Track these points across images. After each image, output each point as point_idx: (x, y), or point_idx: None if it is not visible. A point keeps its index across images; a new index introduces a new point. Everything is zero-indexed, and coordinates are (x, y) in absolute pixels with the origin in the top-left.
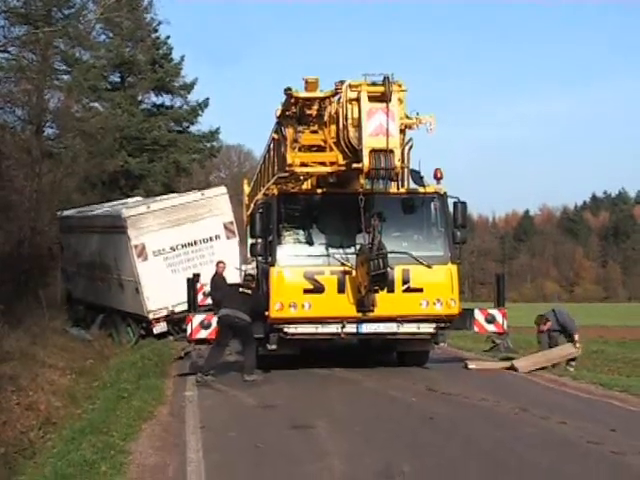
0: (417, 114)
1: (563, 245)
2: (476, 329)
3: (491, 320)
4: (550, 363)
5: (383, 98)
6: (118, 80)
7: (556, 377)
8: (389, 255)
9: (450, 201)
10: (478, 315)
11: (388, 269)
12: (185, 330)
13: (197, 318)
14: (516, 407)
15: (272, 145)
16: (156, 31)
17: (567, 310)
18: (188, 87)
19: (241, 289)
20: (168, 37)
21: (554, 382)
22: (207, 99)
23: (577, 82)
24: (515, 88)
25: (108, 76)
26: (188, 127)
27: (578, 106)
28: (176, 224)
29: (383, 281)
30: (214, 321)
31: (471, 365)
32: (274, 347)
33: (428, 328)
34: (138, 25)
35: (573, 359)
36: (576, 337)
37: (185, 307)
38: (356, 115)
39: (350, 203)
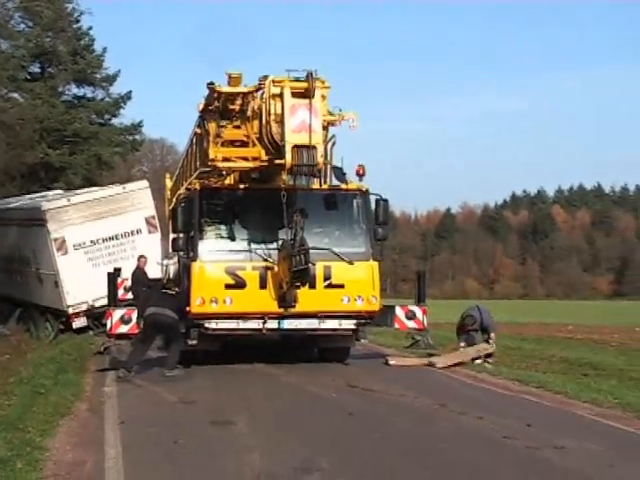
0: (340, 111)
1: (484, 243)
2: (397, 325)
3: (412, 317)
4: (467, 359)
5: (306, 94)
6: (38, 71)
7: (474, 373)
8: (311, 251)
9: (372, 198)
10: (399, 312)
11: (310, 265)
12: (105, 325)
13: (117, 313)
14: (435, 403)
15: (195, 139)
16: (78, 22)
17: (488, 308)
18: (110, 79)
19: (164, 290)
20: (90, 28)
21: (472, 378)
22: (129, 92)
23: (502, 78)
24: (440, 83)
25: (28, 66)
26: (110, 120)
27: (500, 104)
28: (97, 218)
29: (305, 277)
30: (134, 316)
31: (391, 361)
32: (194, 342)
33: (349, 324)
34: (59, 15)
35: (490, 355)
36: (492, 335)
37: (105, 302)
38: (279, 111)
39: (272, 199)
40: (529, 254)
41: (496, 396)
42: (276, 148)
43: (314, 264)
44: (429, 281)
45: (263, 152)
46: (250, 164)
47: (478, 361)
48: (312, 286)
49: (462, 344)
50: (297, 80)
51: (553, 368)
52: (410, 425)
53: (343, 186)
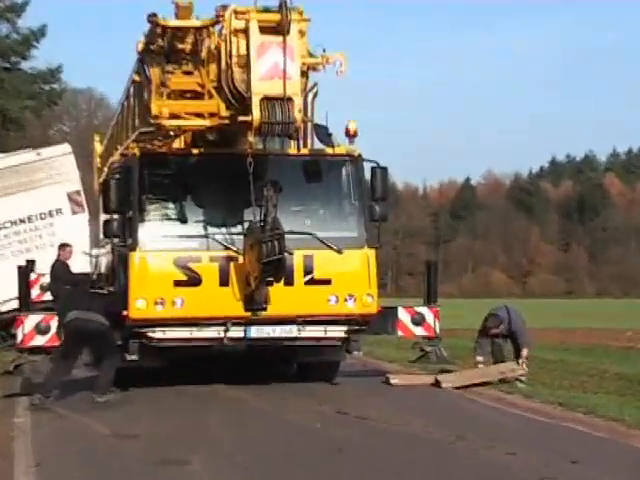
0: (324, 51)
1: (514, 223)
2: (400, 333)
3: (419, 321)
4: (486, 380)
5: (279, 29)
6: None
7: (502, 394)
8: (287, 236)
9: (367, 166)
10: (403, 315)
11: (285, 254)
12: (15, 336)
13: (31, 320)
14: (451, 434)
15: (132, 90)
16: None
17: (519, 311)
18: (18, 9)
19: (93, 289)
20: None
21: (500, 401)
22: (44, 26)
23: (532, 18)
24: (461, 20)
25: None
26: (18, 64)
27: (535, 45)
28: (3, 194)
29: (279, 270)
30: (54, 323)
31: (394, 380)
32: (135, 358)
33: (338, 332)
34: None
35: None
36: (524, 353)
37: (15, 305)
38: (243, 51)
39: (236, 168)
40: (574, 238)
41: (531, 424)
42: (240, 101)
43: (291, 253)
44: (442, 275)
45: (223, 106)
46: (206, 122)
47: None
48: (289, 282)
49: (479, 357)
50: (267, 11)
51: (606, 387)
52: (419, 464)
53: (328, 150)
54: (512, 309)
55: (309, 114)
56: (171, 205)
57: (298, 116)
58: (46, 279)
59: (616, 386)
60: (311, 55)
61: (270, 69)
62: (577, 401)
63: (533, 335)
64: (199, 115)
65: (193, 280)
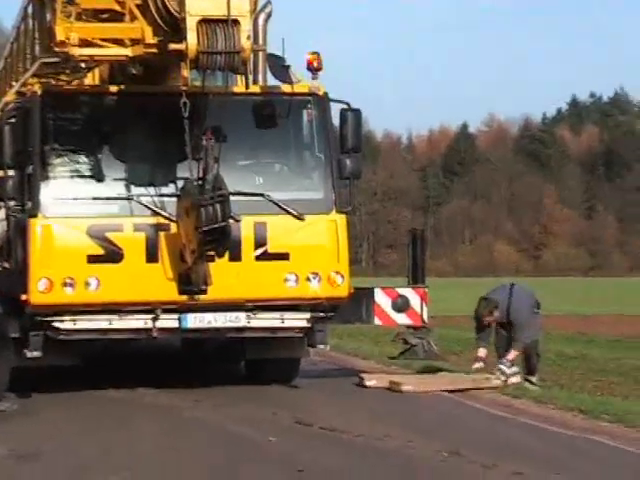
0: None
1: (523, 182)
2: (378, 322)
3: (403, 306)
4: (452, 389)
5: None
6: None
7: (509, 399)
8: (232, 198)
9: (335, 108)
10: (381, 298)
11: (230, 222)
12: None
13: None
14: (441, 450)
15: (31, 9)
16: None
17: (530, 291)
18: None
19: None
20: None
21: (505, 407)
22: None
23: None
24: None
25: None
26: None
27: None
28: None
29: (222, 242)
30: None
31: (369, 382)
32: (37, 354)
33: (298, 320)
34: None
35: (531, 371)
36: (512, 355)
37: None
38: None
39: (166, 110)
40: (600, 200)
41: (544, 437)
42: (171, 24)
43: (238, 220)
44: (433, 247)
45: (149, 31)
46: (127, 51)
47: (514, 379)
48: (235, 257)
49: (480, 352)
50: None
51: None
52: None
53: (285, 88)
54: (518, 289)
55: (260, 41)
56: (83, 158)
57: (246, 44)
58: None
59: None
60: None
61: None
62: (603, 407)
63: (543, 328)
64: (118, 42)
65: (112, 255)
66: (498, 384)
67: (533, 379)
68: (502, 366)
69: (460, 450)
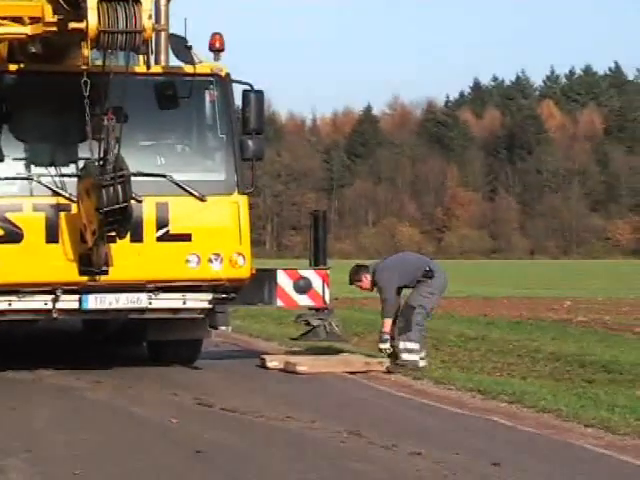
0: None
1: (427, 164)
2: (280, 303)
3: (305, 288)
4: (347, 370)
5: None
6: None
7: (409, 380)
8: (133, 179)
9: (237, 89)
10: (283, 280)
11: (132, 202)
12: None
13: None
14: (343, 430)
15: None
16: None
17: (422, 260)
18: None
19: None
20: None
21: (405, 389)
22: None
23: None
24: None
25: None
26: None
27: None
28: None
29: (123, 222)
30: None
31: (271, 363)
32: None
33: (200, 302)
34: None
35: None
36: (383, 324)
37: None
38: None
39: (67, 90)
40: (502, 182)
41: (443, 417)
42: (71, 3)
43: (139, 200)
44: (336, 228)
45: (49, 9)
46: (26, 29)
47: (406, 356)
48: (136, 238)
49: (385, 327)
50: None
51: (539, 371)
52: (302, 468)
53: (187, 68)
54: (400, 255)
55: (162, 21)
56: None
57: (147, 24)
58: None
59: (551, 369)
60: None
61: None
62: (501, 388)
63: (432, 301)
64: (17, 20)
65: (11, 235)
66: (388, 366)
67: (422, 355)
68: (381, 344)
69: (361, 431)
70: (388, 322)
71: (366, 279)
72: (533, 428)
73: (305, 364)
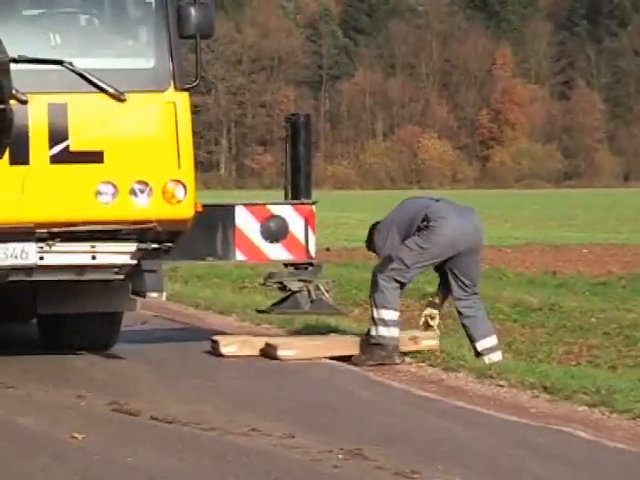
0: None
1: (466, 42)
2: (241, 257)
3: (278, 233)
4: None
5: None
6: None
7: (439, 372)
8: (14, 67)
9: None
10: (246, 221)
11: (11, 103)
12: None
13: None
14: (337, 449)
15: None
16: None
17: (421, 204)
18: None
19: None
20: None
21: (433, 385)
22: None
23: None
24: None
25: None
26: None
27: None
28: None
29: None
30: None
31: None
32: None
33: (118, 255)
34: None
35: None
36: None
37: None
38: None
39: None
40: (580, 71)
41: (489, 429)
42: None
43: (24, 100)
44: (329, 143)
45: None
46: None
47: (383, 330)
48: (20, 159)
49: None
50: None
51: (635, 357)
52: None
53: None
54: (395, 210)
55: None
56: None
57: None
58: None
59: None
60: None
61: None
62: (579, 383)
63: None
64: None
65: None
66: (354, 356)
67: (394, 323)
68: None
69: (363, 450)
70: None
71: (387, 238)
72: (627, 444)
73: (293, 346)
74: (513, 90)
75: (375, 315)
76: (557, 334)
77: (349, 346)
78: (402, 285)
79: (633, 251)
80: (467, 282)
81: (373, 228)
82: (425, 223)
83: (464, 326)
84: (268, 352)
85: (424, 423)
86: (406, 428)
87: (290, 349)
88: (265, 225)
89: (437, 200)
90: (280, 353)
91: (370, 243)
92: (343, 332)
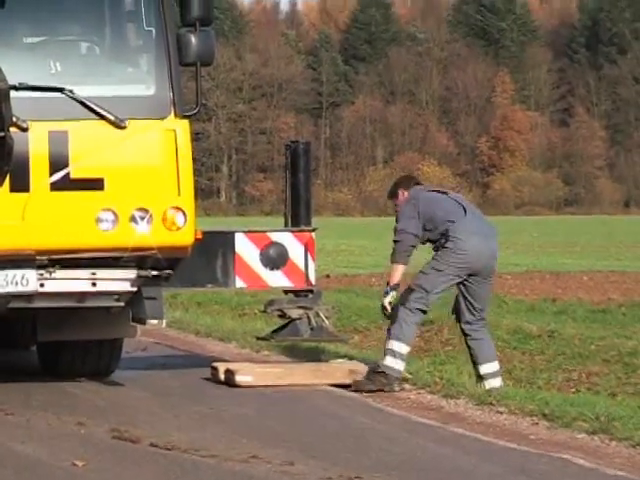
0: None
1: (466, 70)
2: (241, 283)
3: (278, 260)
4: (305, 382)
5: None
6: None
7: (439, 399)
8: (15, 94)
9: None
10: (246, 248)
11: (13, 130)
12: None
13: None
14: (337, 477)
15: None
16: None
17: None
18: None
19: None
20: None
21: (433, 412)
22: None
23: None
24: None
25: None
26: None
27: None
28: None
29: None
30: None
31: (241, 377)
32: None
33: (118, 282)
34: None
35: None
36: (394, 274)
37: None
38: None
39: None
40: (580, 98)
41: (490, 456)
42: None
43: (24, 128)
44: (329, 170)
45: None
46: None
47: (389, 360)
48: (20, 186)
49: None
50: None
51: (635, 385)
52: None
53: None
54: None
55: None
56: None
57: None
58: None
59: None
60: None
61: None
62: (578, 411)
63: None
64: None
65: None
66: (355, 380)
67: (401, 356)
68: (384, 299)
69: (362, 476)
70: (397, 269)
71: (402, 195)
72: (626, 472)
73: (251, 372)
74: (513, 117)
75: (387, 345)
76: (556, 361)
77: (307, 373)
78: (424, 312)
79: (633, 278)
80: (477, 306)
81: (402, 180)
82: (443, 241)
83: (469, 347)
84: (227, 378)
85: (424, 450)
86: (406, 455)
87: (248, 375)
88: (265, 252)
89: (465, 210)
90: (238, 379)
91: (392, 193)
92: (347, 357)
